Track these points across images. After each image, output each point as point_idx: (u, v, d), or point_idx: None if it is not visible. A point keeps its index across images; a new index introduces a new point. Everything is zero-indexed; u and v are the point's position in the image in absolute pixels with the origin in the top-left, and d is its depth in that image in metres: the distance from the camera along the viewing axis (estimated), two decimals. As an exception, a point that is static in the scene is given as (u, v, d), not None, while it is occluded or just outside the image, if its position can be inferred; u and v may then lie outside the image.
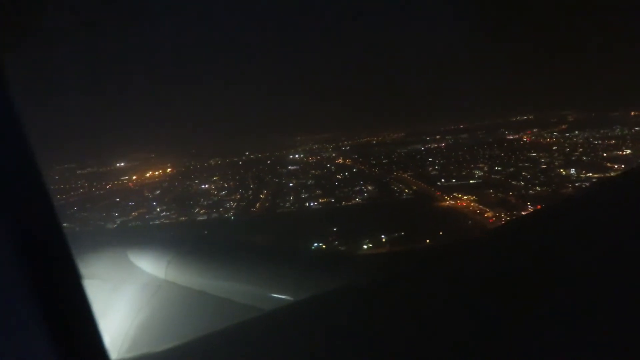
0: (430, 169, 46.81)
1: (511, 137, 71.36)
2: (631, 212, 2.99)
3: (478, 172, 41.39)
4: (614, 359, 1.80)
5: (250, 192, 45.85)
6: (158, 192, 52.57)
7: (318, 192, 41.41)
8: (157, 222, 38.19)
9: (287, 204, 39.17)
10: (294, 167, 61.72)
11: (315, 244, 25.69)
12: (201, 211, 39.97)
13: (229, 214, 38.20)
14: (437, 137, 78.05)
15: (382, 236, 25.06)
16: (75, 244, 1.47)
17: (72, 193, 54.29)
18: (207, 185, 53.05)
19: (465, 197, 33.33)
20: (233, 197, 44.28)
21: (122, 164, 77.16)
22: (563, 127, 71.46)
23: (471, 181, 38.62)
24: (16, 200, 1.27)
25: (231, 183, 52.37)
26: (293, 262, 5.44)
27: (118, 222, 39.27)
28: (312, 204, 37.49)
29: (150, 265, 5.44)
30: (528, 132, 70.87)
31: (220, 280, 4.95)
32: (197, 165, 70.95)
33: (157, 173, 67.75)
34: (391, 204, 34.15)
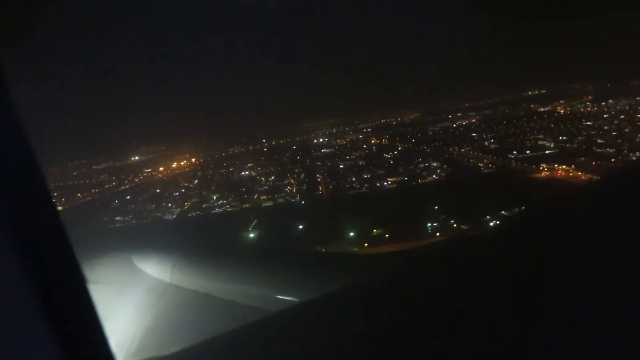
0: (485, 143, 45.06)
1: (542, 109, 69.69)
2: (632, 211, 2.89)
3: (545, 143, 39.80)
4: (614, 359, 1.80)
5: (302, 176, 43.70)
6: (196, 181, 50.19)
7: (380, 171, 39.52)
8: (218, 210, 36.03)
9: (354, 185, 37.14)
10: (328, 150, 59.91)
11: (431, 224, 23.96)
12: (261, 197, 37.82)
13: (295, 199, 36.08)
14: (459, 114, 76.31)
15: (502, 211, 23.25)
16: (81, 248, 1.45)
17: (105, 187, 51.72)
18: (247, 172, 50.89)
19: (559, 166, 31.66)
20: (286, 182, 42.14)
21: (137, 158, 74.90)
22: (589, 97, 70.18)
23: (547, 152, 37.02)
24: (21, 207, 1.28)
25: (272, 169, 50.23)
26: (297, 263, 5.47)
27: (176, 212, 36.97)
28: (385, 183, 35.52)
29: (155, 269, 5.52)
30: (555, 103, 69.42)
31: (226, 282, 5.00)
32: (221, 154, 68.82)
33: (182, 163, 65.37)
34: (480, 178, 32.30)
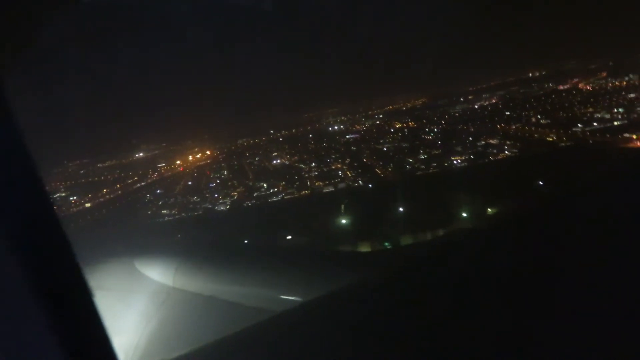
0: (533, 119, 43.52)
1: (562, 87, 68.83)
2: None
3: (604, 115, 38.39)
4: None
5: (346, 161, 41.43)
6: (225, 172, 47.47)
7: (435, 151, 37.61)
8: (275, 198, 33.53)
9: (416, 166, 35.03)
10: (354, 136, 58.23)
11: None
12: (317, 183, 35.42)
13: (359, 183, 33.75)
14: (470, 97, 75.25)
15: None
16: (82, 254, 1.45)
17: (128, 181, 48.64)
18: (278, 161, 48.47)
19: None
20: (334, 167, 39.84)
21: (142, 155, 72.22)
22: (603, 74, 69.65)
23: (615, 123, 35.56)
24: (22, 215, 1.29)
25: (305, 156, 47.88)
26: (300, 263, 5.49)
27: (227, 203, 34.32)
28: (455, 162, 33.50)
29: (157, 273, 5.59)
30: (571, 81, 68.74)
31: (229, 284, 5.03)
32: (231, 147, 66.41)
33: (197, 157, 62.69)
34: (567, 150, 30.38)
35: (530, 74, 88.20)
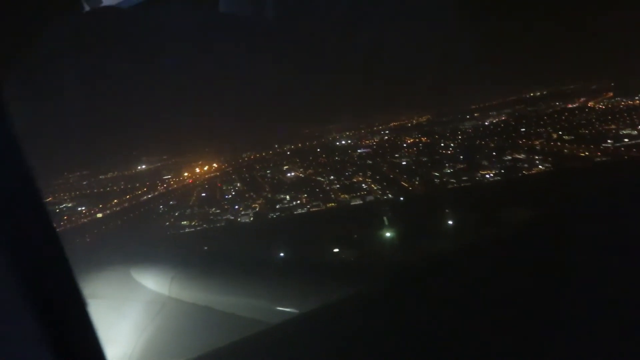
0: (554, 135, 42.97)
1: (571, 105, 68.84)
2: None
3: (630, 132, 37.98)
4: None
5: (367, 173, 40.41)
6: (238, 184, 46.23)
7: (460, 165, 36.75)
8: (301, 210, 32.33)
9: (445, 180, 34.11)
10: (365, 150, 57.62)
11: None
12: (342, 196, 34.29)
13: (388, 195, 32.67)
14: (476, 114, 75.12)
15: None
16: (77, 262, 1.42)
17: (137, 192, 47.15)
18: (292, 174, 47.41)
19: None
20: (355, 180, 38.79)
21: (144, 167, 70.93)
22: (608, 94, 69.98)
23: (645, 139, 35.11)
24: (17, 223, 1.25)
25: (320, 169, 47.00)
26: (296, 274, 5.43)
27: (250, 214, 33.03)
28: (487, 175, 32.66)
29: (153, 283, 5.53)
30: (581, 100, 68.87)
31: (225, 295, 4.94)
32: (238, 160, 65.37)
33: (204, 169, 61.49)
34: (605, 165, 29.72)
35: (532, 94, 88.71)
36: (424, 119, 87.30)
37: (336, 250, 20.10)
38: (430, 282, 3.24)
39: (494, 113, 73.41)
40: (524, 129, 51.75)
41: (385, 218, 24.93)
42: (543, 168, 32.85)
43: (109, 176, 64.75)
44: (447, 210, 24.07)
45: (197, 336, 4.38)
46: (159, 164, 71.90)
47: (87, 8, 8.85)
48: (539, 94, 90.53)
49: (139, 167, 70.80)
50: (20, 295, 1.21)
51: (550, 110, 65.68)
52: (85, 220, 36.83)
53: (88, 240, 30.18)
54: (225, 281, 5.28)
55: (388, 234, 22.86)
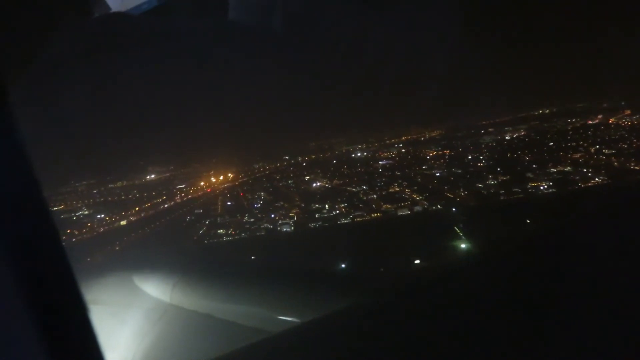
0: (592, 149, 41.83)
1: (591, 122, 68.18)
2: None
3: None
4: None
5: (404, 183, 38.91)
6: (262, 194, 44.54)
7: (502, 177, 35.40)
8: (344, 220, 30.65)
9: (492, 191, 32.65)
10: (387, 162, 56.53)
11: None
12: (385, 206, 32.66)
13: (437, 206, 31.07)
14: (490, 130, 74.39)
15: None
16: (79, 269, 1.42)
17: (157, 200, 45.26)
18: (318, 184, 45.84)
19: None
20: (392, 190, 37.26)
21: (153, 177, 69.23)
22: (626, 112, 69.60)
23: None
24: (19, 228, 1.26)
25: (346, 180, 45.54)
26: (298, 283, 5.26)
27: (291, 224, 31.33)
28: (541, 188, 31.31)
29: (155, 289, 5.42)
30: (599, 117, 68.33)
31: (227, 303, 4.85)
32: (253, 170, 63.92)
33: (220, 179, 59.87)
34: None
35: (541, 111, 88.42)
36: (435, 133, 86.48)
37: (417, 261, 18.53)
38: (432, 292, 3.15)
39: (510, 128, 72.77)
40: (552, 143, 50.75)
41: (456, 228, 23.44)
42: (599, 180, 31.58)
43: (118, 185, 63.15)
44: (528, 221, 22.68)
45: (198, 344, 4.35)
46: (168, 174, 70.29)
47: (96, 14, 8.84)
48: (547, 111, 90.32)
49: (149, 177, 69.20)
50: (21, 301, 1.18)
51: (570, 126, 65.10)
52: (108, 227, 34.91)
53: (117, 248, 28.32)
54: (227, 289, 5.20)
55: (464, 245, 21.33)
